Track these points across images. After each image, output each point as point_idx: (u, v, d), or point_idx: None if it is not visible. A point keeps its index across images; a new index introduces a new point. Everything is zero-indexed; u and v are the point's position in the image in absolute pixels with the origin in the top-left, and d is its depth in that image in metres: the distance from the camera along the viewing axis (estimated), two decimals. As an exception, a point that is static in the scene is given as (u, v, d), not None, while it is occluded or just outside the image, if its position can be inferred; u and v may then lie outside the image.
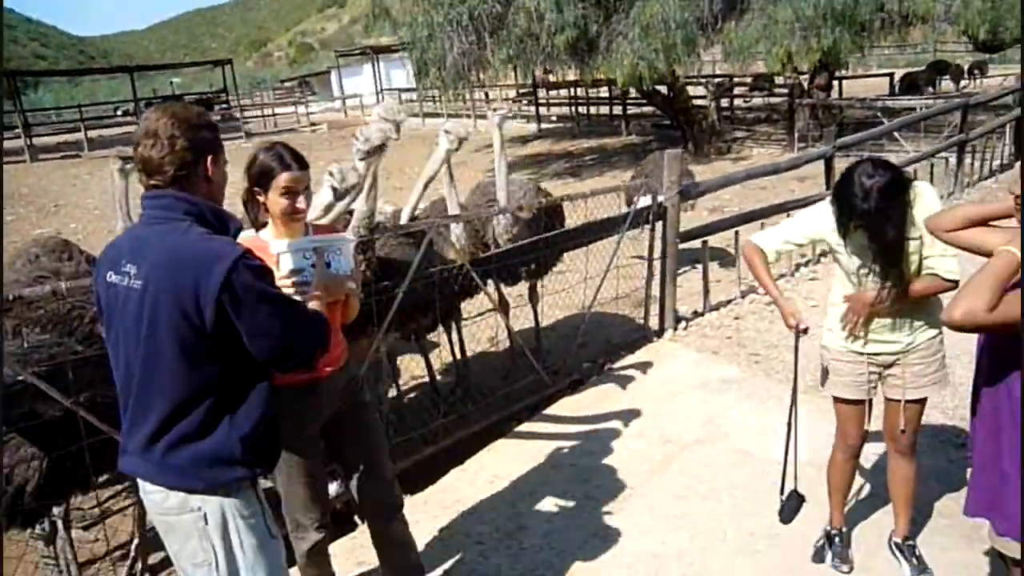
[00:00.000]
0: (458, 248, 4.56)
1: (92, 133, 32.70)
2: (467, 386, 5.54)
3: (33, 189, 20.49)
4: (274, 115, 38.54)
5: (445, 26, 14.30)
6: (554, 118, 26.97)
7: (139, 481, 2.12)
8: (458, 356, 5.69)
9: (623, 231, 5.56)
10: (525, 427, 4.67)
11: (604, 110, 24.84)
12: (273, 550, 2.17)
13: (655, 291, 6.05)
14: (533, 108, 25.99)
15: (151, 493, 2.08)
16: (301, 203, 2.46)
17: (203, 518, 2.04)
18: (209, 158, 2.04)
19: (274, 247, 2.37)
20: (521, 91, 28.99)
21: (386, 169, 18.81)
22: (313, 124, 35.70)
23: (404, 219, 4.28)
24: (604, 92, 23.72)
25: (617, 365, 5.47)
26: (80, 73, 59.47)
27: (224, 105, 39.28)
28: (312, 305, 2.23)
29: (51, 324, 3.33)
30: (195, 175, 2.02)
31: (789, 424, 3.22)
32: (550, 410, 4.86)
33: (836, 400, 3.08)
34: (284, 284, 2.27)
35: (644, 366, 5.37)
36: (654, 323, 6.08)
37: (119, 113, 39.46)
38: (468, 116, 28.89)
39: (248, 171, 2.50)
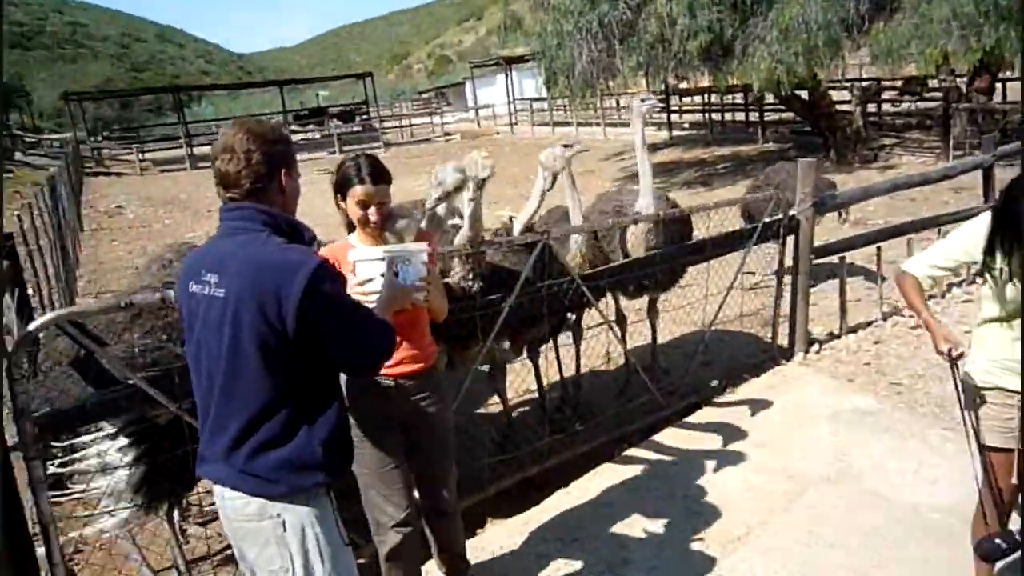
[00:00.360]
0: (577, 259, 4.41)
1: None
2: (577, 403, 5.35)
3: (191, 195, 22.04)
4: (411, 125, 39.86)
5: (574, 34, 14.17)
6: (686, 125, 26.27)
7: (216, 487, 2.15)
8: (570, 371, 5.52)
9: (750, 245, 5.20)
10: (636, 451, 4.43)
11: (739, 117, 23.90)
12: (347, 558, 2.20)
13: (785, 310, 5.63)
14: (664, 115, 25.38)
15: (230, 499, 2.11)
16: (373, 215, 2.65)
17: (282, 525, 2.08)
18: (283, 171, 2.13)
19: (351, 255, 2.49)
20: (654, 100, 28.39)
21: (514, 177, 18.99)
22: (447, 134, 36.60)
23: (517, 230, 4.16)
24: (739, 98, 22.82)
25: (739, 389, 5.11)
26: (237, 87, 63.76)
27: (365, 116, 41.00)
28: (378, 313, 2.28)
29: (170, 330, 3.44)
30: (270, 188, 2.11)
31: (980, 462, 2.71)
32: (663, 434, 4.59)
33: (982, 447, 2.67)
34: (357, 291, 2.38)
35: (769, 391, 4.99)
36: (783, 345, 5.66)
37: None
38: (598, 124, 28.74)
39: (333, 178, 2.71)
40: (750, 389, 5.08)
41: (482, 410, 5.36)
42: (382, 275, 2.41)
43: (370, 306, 2.29)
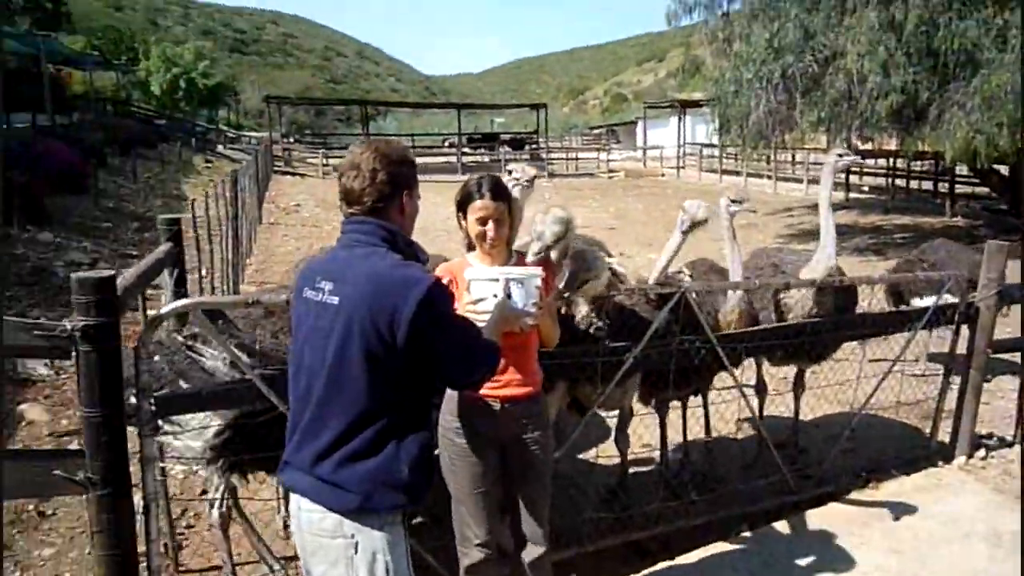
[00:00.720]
0: (734, 316, 4.16)
1: (419, 160, 36.45)
2: (699, 471, 5.00)
3: (359, 204, 23.26)
4: (577, 159, 40.20)
5: (753, 83, 13.69)
6: (866, 188, 24.75)
7: (294, 497, 2.15)
8: (696, 433, 5.18)
9: (917, 328, 4.68)
10: (754, 534, 4.04)
11: (926, 185, 22.21)
12: None
13: (950, 404, 5.01)
14: (843, 175, 24.03)
15: (307, 511, 2.12)
16: (491, 230, 2.70)
17: (354, 546, 2.07)
18: (405, 192, 2.20)
19: (467, 273, 2.59)
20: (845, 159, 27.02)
21: (671, 221, 18.58)
22: (611, 171, 36.62)
23: (652, 279, 3.95)
24: (928, 166, 21.22)
25: (884, 486, 4.57)
26: (420, 106, 67.33)
27: (534, 145, 41.84)
28: (487, 332, 2.32)
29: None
30: (391, 207, 2.18)
31: None
32: (788, 521, 4.16)
33: None
34: (469, 309, 2.45)
35: (920, 494, 4.42)
36: (943, 443, 5.04)
37: (446, 144, 43.62)
38: (768, 177, 27.70)
39: (457, 196, 2.78)
40: (897, 488, 4.54)
41: (592, 458, 5.13)
42: (495, 296, 2.45)
43: (480, 325, 2.34)
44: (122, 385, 2.65)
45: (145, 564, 2.84)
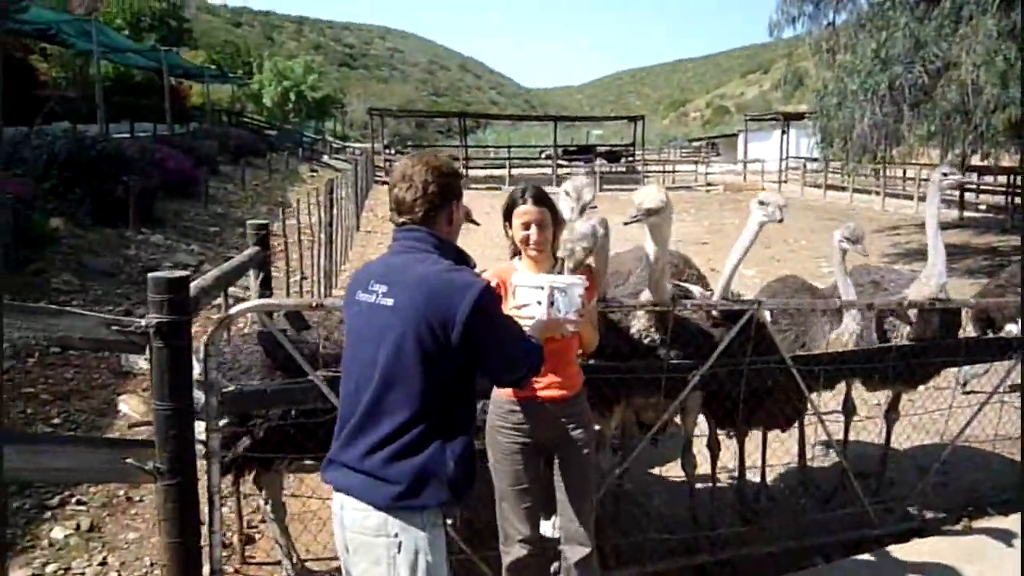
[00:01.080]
0: (849, 339, 3.97)
1: (515, 171, 36.90)
2: (776, 495, 4.79)
3: (458, 211, 23.62)
4: (674, 171, 39.61)
5: (858, 94, 13.10)
6: (983, 207, 23.28)
7: (337, 496, 2.23)
8: (781, 457, 4.95)
9: (1020, 356, 4.35)
10: (828, 568, 3.85)
11: (1053, 205, 20.68)
12: None
13: (1057, 441, 4.63)
14: (957, 193, 22.72)
15: (351, 509, 2.18)
16: (534, 234, 2.82)
17: (397, 546, 2.13)
18: (454, 203, 2.31)
19: (514, 278, 2.70)
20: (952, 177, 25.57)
21: (767, 237, 18.02)
22: (710, 184, 35.89)
23: (717, 295, 3.81)
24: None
25: (977, 525, 4.26)
26: (517, 118, 67.90)
27: (630, 158, 41.50)
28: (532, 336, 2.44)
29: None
30: (440, 216, 2.28)
31: None
32: (866, 556, 3.93)
33: None
34: (514, 314, 2.55)
35: (1015, 538, 4.09)
36: (1049, 482, 4.66)
37: (542, 156, 43.84)
38: (876, 193, 26.47)
39: (503, 206, 2.92)
40: (992, 528, 4.20)
41: (657, 472, 5.00)
42: (539, 302, 2.55)
43: (524, 328, 2.45)
44: (191, 380, 2.78)
45: (208, 554, 2.95)
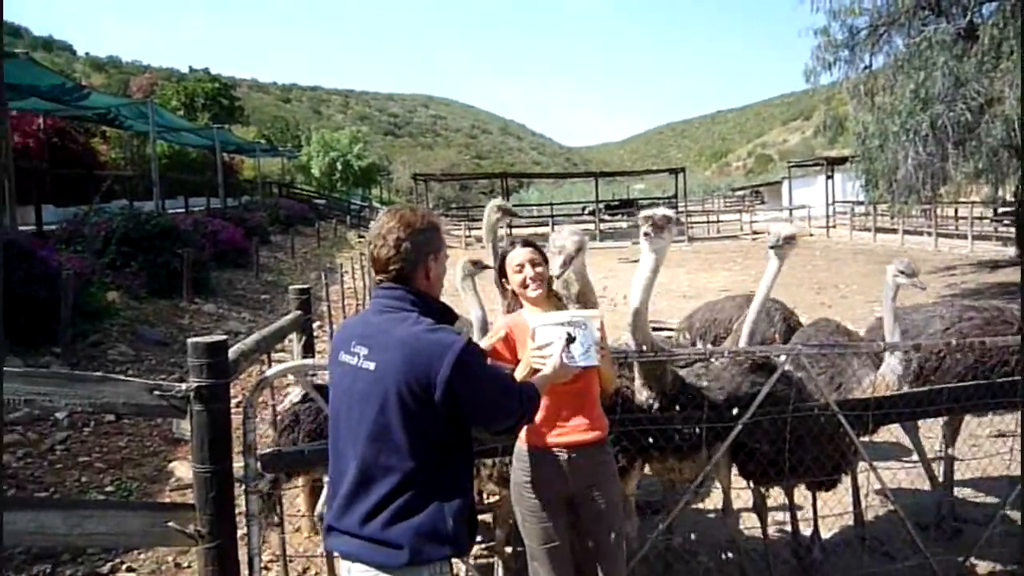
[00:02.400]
0: (889, 385, 3.85)
1: (558, 227, 37.18)
2: (831, 548, 4.59)
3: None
4: (718, 221, 39.38)
5: (900, 135, 12.95)
6: (1041, 243, 22.51)
7: (343, 563, 2.24)
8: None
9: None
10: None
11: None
12: None
13: None
14: (1014, 230, 22.08)
15: (359, 573, 2.19)
16: (529, 271, 2.86)
17: None
18: (429, 258, 2.30)
19: (533, 320, 2.69)
20: (1001, 209, 24.97)
21: (819, 283, 17.70)
22: (755, 232, 35.52)
23: (743, 341, 3.73)
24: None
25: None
26: (559, 176, 68.85)
27: (673, 210, 41.42)
28: (537, 379, 2.49)
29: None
30: (417, 273, 2.29)
31: None
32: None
33: None
34: (535, 355, 2.58)
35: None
36: None
37: (585, 212, 44.08)
38: (928, 234, 25.89)
39: (495, 266, 3.03)
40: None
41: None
42: (560, 338, 2.57)
43: (546, 371, 2.52)
44: (231, 443, 2.83)
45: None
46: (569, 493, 2.83)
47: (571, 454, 2.80)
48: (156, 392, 2.76)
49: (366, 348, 2.20)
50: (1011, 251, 21.26)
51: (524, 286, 2.89)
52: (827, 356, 4.33)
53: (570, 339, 2.56)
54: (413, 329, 2.17)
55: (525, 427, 2.71)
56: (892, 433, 5.61)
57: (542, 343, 2.59)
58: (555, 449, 2.80)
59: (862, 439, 3.96)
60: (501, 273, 2.99)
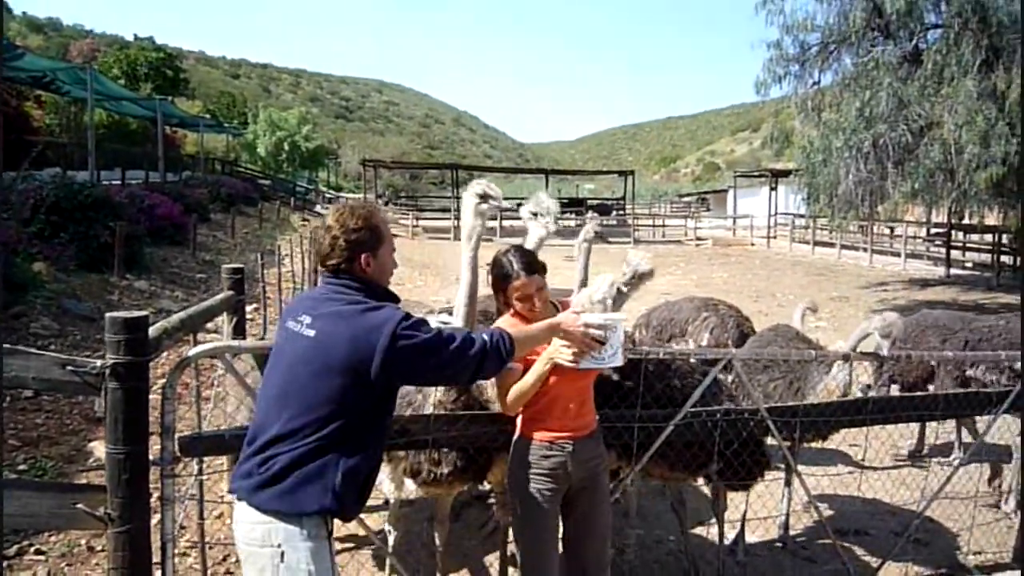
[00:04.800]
0: (834, 390, 3.95)
1: (507, 223, 37.11)
2: (755, 551, 4.67)
3: (447, 263, 23.54)
4: (663, 226, 39.94)
5: (843, 151, 13.31)
6: (969, 264, 23.47)
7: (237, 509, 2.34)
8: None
9: (999, 412, 4.30)
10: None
11: (1039, 263, 20.83)
12: None
13: (1041, 499, 4.56)
14: (943, 250, 22.96)
15: (240, 512, 2.31)
16: (539, 303, 2.84)
17: (280, 555, 2.24)
18: (363, 256, 2.42)
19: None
20: (934, 230, 25.91)
21: (757, 291, 18.10)
22: (699, 239, 36.15)
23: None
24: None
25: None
26: (509, 171, 68.72)
27: (621, 212, 41.86)
28: (520, 336, 2.55)
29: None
30: (352, 266, 2.43)
31: None
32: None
33: None
34: (565, 355, 2.68)
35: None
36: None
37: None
38: (864, 249, 26.69)
39: (490, 270, 2.92)
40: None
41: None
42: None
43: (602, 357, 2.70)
44: (147, 424, 2.70)
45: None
46: (573, 480, 2.90)
47: (574, 445, 2.88)
48: (69, 368, 2.62)
49: (309, 317, 2.35)
50: (941, 271, 22.10)
51: (528, 311, 2.85)
52: (787, 362, 4.44)
53: (601, 341, 2.68)
54: (351, 307, 2.32)
55: (528, 420, 2.88)
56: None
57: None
58: (559, 441, 2.87)
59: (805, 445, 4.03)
60: (497, 288, 2.91)
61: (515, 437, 2.96)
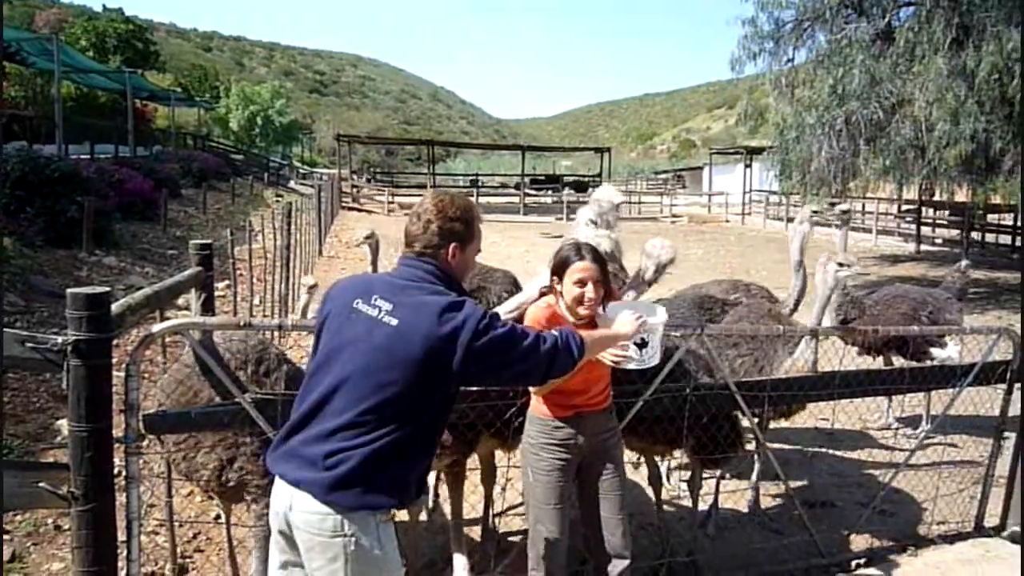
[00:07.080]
0: (802, 366, 3.97)
1: (483, 199, 36.99)
2: (726, 524, 4.74)
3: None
4: (640, 203, 40.01)
5: (816, 128, 13.38)
6: (939, 240, 23.82)
7: (284, 491, 2.26)
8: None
9: (963, 385, 4.38)
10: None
11: (1005, 239, 21.22)
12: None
13: (1001, 471, 4.66)
14: (914, 227, 23.27)
15: (301, 503, 2.22)
16: (590, 291, 2.80)
17: (354, 543, 2.20)
18: (453, 246, 2.38)
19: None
20: (904, 207, 26.23)
21: (731, 268, 18.22)
22: (675, 216, 36.30)
23: None
24: (1007, 219, 20.30)
25: (923, 554, 4.24)
26: (486, 147, 68.38)
27: (596, 188, 41.86)
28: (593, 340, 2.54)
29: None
30: (439, 255, 2.38)
31: None
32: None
33: None
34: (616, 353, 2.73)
35: (963, 567, 4.08)
36: (992, 515, 4.66)
37: (513, 187, 44.02)
38: (838, 226, 26.94)
39: (553, 261, 2.90)
40: (937, 558, 4.20)
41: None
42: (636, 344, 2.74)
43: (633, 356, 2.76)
44: (111, 402, 2.66)
45: (125, 584, 2.81)
46: (586, 451, 2.96)
47: (590, 419, 2.95)
48: (29, 344, 2.57)
49: (389, 304, 2.26)
50: (911, 247, 22.42)
51: (579, 303, 2.83)
52: (755, 339, 4.46)
53: (643, 344, 2.75)
54: (435, 298, 2.27)
55: (546, 395, 2.92)
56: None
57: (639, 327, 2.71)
58: (572, 416, 2.92)
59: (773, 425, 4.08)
60: (555, 271, 2.90)
61: (529, 410, 3.03)
